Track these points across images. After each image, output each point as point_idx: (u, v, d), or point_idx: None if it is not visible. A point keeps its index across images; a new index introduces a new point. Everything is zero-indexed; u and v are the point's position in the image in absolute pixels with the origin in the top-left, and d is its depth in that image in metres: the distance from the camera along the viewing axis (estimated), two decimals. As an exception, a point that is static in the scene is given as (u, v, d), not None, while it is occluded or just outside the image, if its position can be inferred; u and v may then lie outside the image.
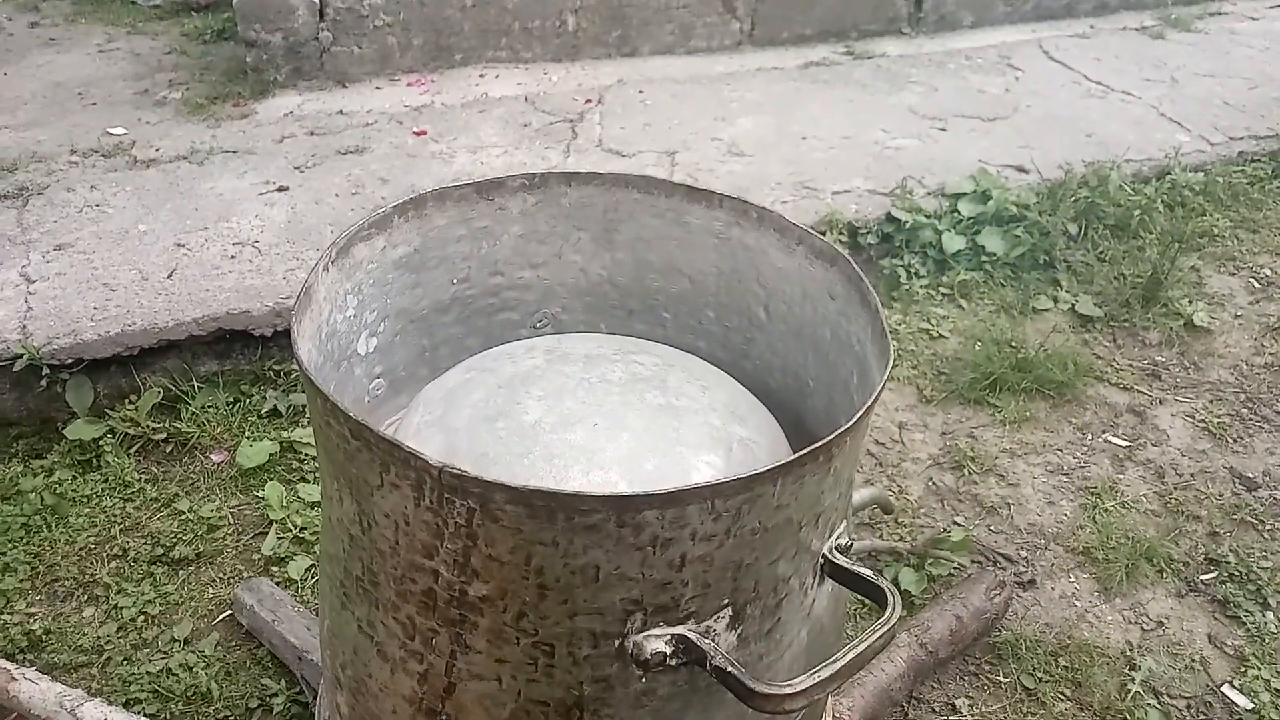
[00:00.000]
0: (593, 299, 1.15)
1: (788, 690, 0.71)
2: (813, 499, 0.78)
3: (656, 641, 0.76)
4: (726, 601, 0.78)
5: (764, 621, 0.81)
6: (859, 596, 1.55)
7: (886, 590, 0.79)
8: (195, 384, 1.98)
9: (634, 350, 1.05)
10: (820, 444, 0.74)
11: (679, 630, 0.77)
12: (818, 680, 0.72)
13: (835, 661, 0.74)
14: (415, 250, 1.02)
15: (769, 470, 0.72)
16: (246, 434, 1.91)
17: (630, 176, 1.06)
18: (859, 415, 0.77)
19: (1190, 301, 2.29)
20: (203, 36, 3.52)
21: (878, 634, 0.76)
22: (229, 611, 1.57)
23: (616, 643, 0.77)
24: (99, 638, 1.51)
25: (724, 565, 0.76)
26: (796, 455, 0.73)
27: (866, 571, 0.81)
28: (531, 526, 0.71)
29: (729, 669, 0.73)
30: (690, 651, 0.77)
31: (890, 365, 0.82)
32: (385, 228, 0.98)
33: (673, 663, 0.77)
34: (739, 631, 0.80)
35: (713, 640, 0.78)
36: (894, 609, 0.78)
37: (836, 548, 0.84)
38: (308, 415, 1.95)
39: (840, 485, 0.83)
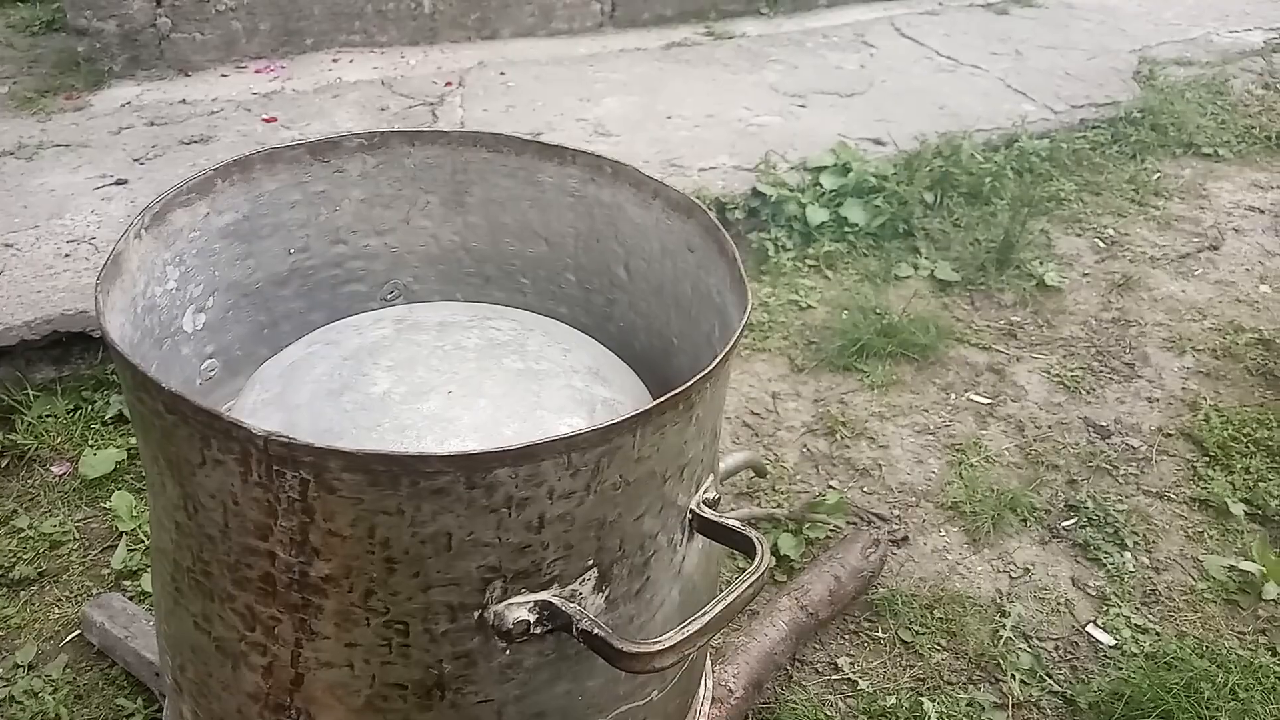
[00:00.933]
0: (446, 267, 1.09)
1: (656, 647, 0.68)
2: (675, 450, 0.75)
3: (519, 610, 0.72)
4: (591, 562, 0.74)
5: (632, 581, 0.78)
6: (735, 563, 1.56)
7: (755, 540, 0.77)
8: (30, 392, 1.84)
9: (491, 316, 1.01)
10: (679, 390, 0.71)
11: (542, 596, 0.73)
12: (687, 635, 0.70)
13: (704, 615, 0.71)
14: (244, 217, 0.94)
15: (626, 420, 0.69)
16: (90, 442, 1.78)
17: (478, 134, 1.01)
18: (718, 360, 0.74)
19: (1041, 263, 2.37)
20: (30, 28, 3.30)
21: (747, 584, 0.74)
22: (78, 631, 1.46)
23: (476, 614, 0.72)
24: (-71, 669, 1.39)
25: (586, 524, 0.72)
26: (655, 403, 0.70)
27: (734, 522, 0.79)
28: (373, 495, 0.66)
29: (595, 631, 0.70)
30: (555, 617, 0.73)
31: (748, 311, 0.80)
32: (207, 192, 0.90)
33: (537, 631, 0.73)
34: (606, 594, 0.76)
35: (579, 604, 0.74)
36: (762, 557, 0.76)
37: (704, 502, 0.82)
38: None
39: (704, 436, 0.80)
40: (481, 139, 1.02)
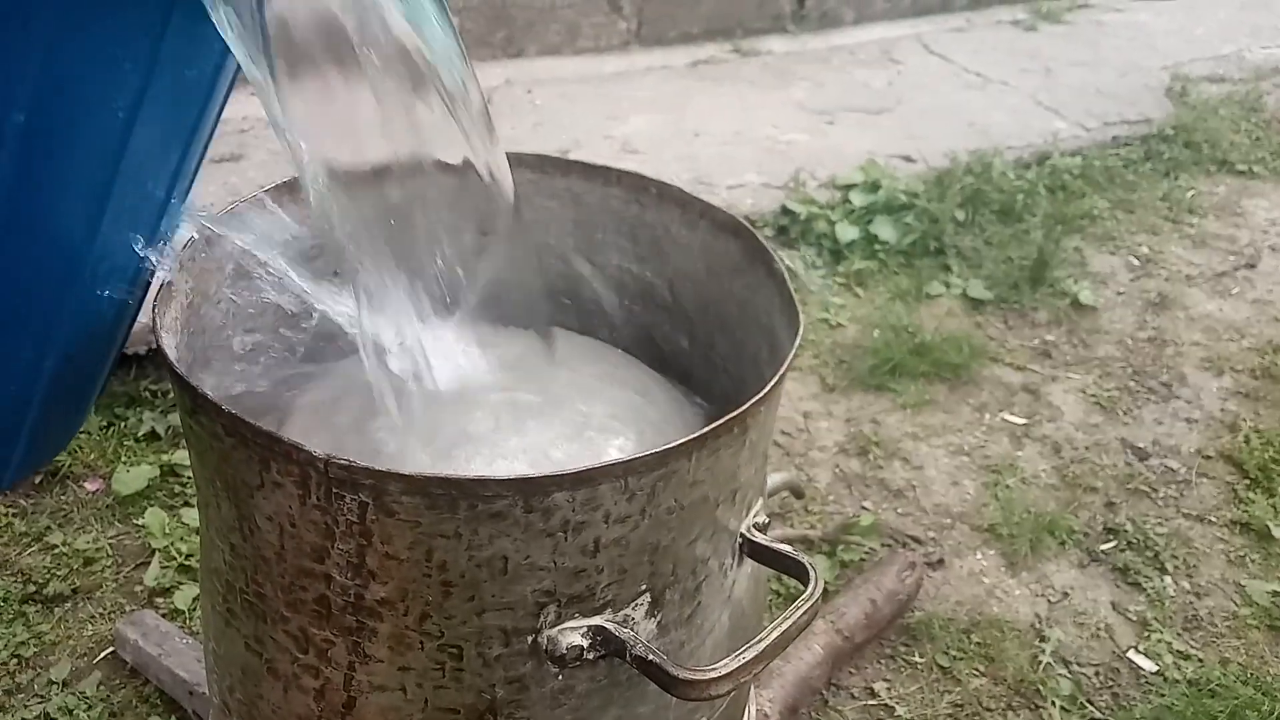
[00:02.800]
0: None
1: (713, 674, 0.68)
2: (729, 474, 0.75)
3: (572, 634, 0.72)
4: (644, 587, 0.74)
5: (684, 607, 0.77)
6: (773, 587, 1.54)
7: (807, 565, 0.76)
8: (64, 408, 1.85)
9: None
10: (734, 414, 0.70)
11: (596, 621, 0.72)
12: (744, 661, 0.69)
13: (760, 641, 0.70)
14: (293, 238, 0.95)
15: (683, 444, 0.68)
16: (123, 459, 1.79)
17: (522, 155, 1.02)
18: (772, 383, 0.74)
19: (1075, 281, 2.36)
20: (62, 46, 3.34)
21: (801, 610, 0.73)
22: (111, 649, 1.46)
23: (529, 639, 0.72)
24: (-36, 686, 1.39)
25: (640, 548, 0.72)
26: (710, 427, 0.69)
27: (786, 548, 0.79)
28: (431, 518, 0.65)
29: (650, 658, 0.69)
30: (609, 643, 0.72)
31: (800, 333, 0.79)
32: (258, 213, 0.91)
33: (590, 656, 0.72)
34: (659, 619, 0.76)
35: (631, 629, 0.73)
36: (815, 584, 0.75)
37: (754, 526, 0.81)
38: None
39: (756, 460, 0.80)
40: (525, 160, 1.03)
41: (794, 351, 0.78)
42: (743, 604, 0.86)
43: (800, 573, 0.77)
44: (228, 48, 0.67)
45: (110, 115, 0.62)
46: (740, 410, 0.72)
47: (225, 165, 2.51)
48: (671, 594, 0.76)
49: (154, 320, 0.73)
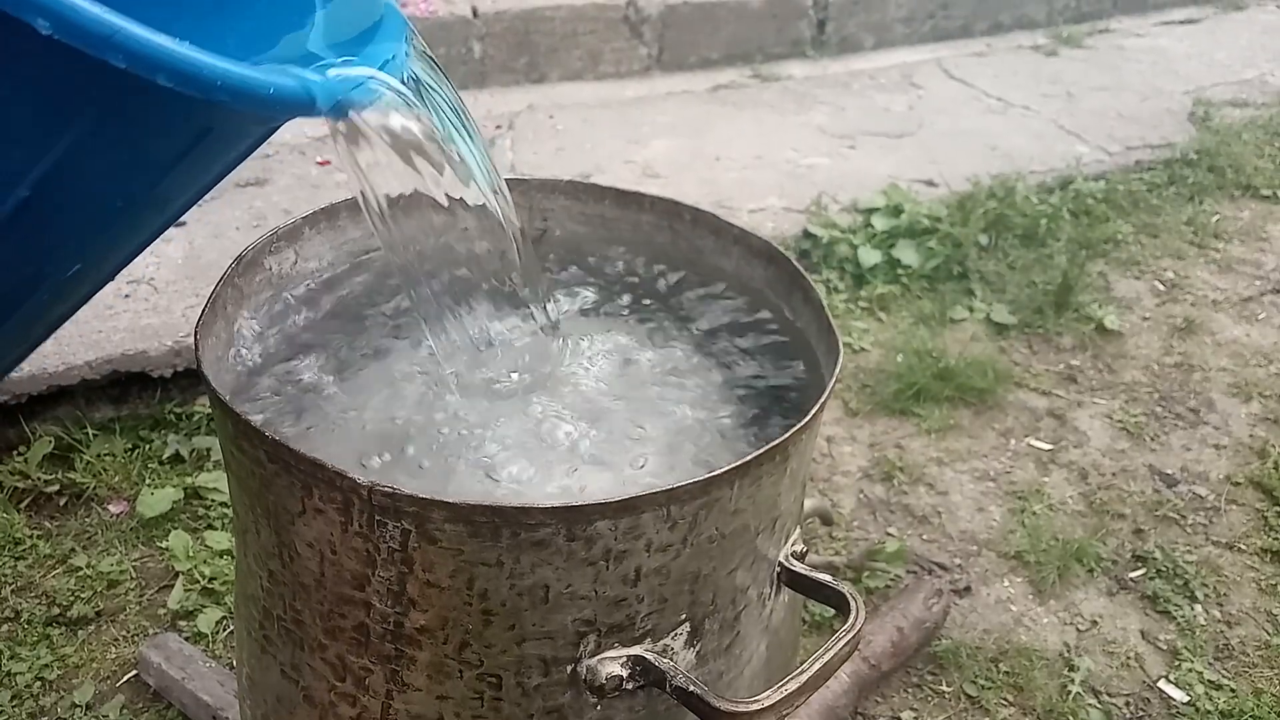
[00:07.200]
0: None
1: (755, 706, 0.67)
2: (769, 502, 0.74)
3: (612, 664, 0.71)
4: (684, 617, 0.73)
5: (723, 636, 0.77)
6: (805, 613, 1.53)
7: (848, 595, 0.75)
8: (90, 431, 1.85)
9: (567, 362, 1.00)
10: (776, 442, 0.70)
11: (635, 651, 0.71)
12: (785, 694, 0.68)
13: (802, 673, 0.69)
14: (329, 264, 0.95)
15: (726, 471, 0.68)
16: (147, 482, 1.79)
17: (556, 182, 1.02)
18: (814, 410, 0.73)
19: (1100, 306, 2.34)
20: (88, 71, 3.38)
21: (843, 641, 0.72)
22: (134, 672, 1.46)
23: (569, 669, 0.71)
24: (-11, 708, 1.39)
25: (681, 578, 0.71)
26: (753, 454, 0.69)
27: (826, 577, 0.78)
28: (474, 546, 0.65)
29: (691, 689, 0.68)
30: (648, 673, 0.71)
31: (841, 359, 0.79)
32: (295, 240, 0.91)
33: (629, 686, 0.72)
34: (698, 648, 0.75)
35: (671, 659, 0.73)
36: (857, 614, 0.74)
37: (792, 554, 0.80)
38: (216, 450, 1.84)
39: (795, 488, 0.79)
40: (560, 186, 1.03)
41: (835, 378, 0.77)
42: (780, 633, 0.85)
43: (840, 603, 0.76)
44: (240, 157, 0.72)
45: (110, 204, 0.63)
46: (782, 438, 0.71)
47: (250, 190, 2.52)
48: (711, 623, 0.75)
49: (196, 345, 0.73)
